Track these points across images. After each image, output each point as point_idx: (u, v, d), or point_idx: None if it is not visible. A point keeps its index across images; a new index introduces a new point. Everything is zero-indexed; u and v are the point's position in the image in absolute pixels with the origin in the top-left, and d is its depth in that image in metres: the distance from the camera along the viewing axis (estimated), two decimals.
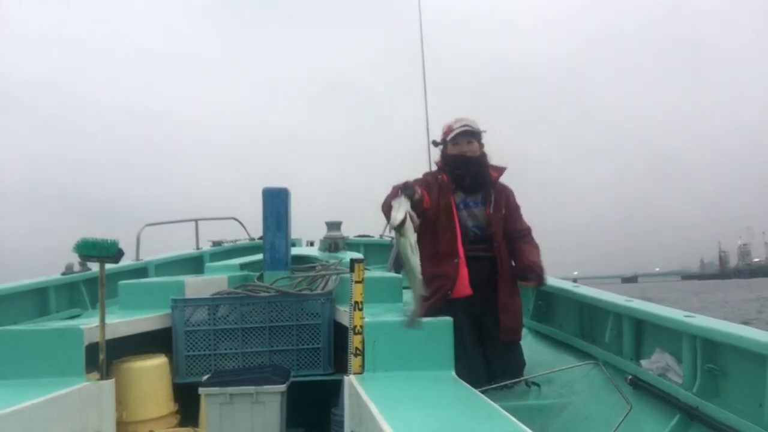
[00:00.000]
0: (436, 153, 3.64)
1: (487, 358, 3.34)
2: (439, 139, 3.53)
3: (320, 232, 6.40)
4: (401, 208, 2.66)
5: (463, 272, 3.25)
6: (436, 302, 3.18)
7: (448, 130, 3.41)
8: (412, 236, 2.63)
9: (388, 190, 3.04)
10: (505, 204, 3.47)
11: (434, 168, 3.66)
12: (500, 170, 3.49)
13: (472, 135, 3.39)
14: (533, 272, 3.36)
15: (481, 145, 3.44)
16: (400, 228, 2.62)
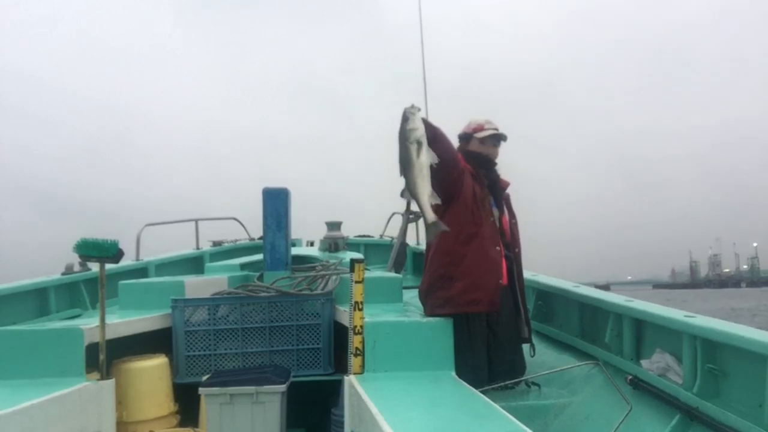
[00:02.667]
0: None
1: (491, 358, 3.33)
2: (460, 133, 3.46)
3: (320, 232, 6.40)
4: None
5: (503, 261, 3.23)
6: (491, 289, 3.11)
7: (478, 127, 3.37)
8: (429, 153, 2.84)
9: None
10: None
11: None
12: (507, 183, 3.51)
13: (499, 140, 3.39)
14: None
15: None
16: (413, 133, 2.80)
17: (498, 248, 3.19)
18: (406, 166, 2.83)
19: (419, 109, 2.87)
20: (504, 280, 3.20)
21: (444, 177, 2.99)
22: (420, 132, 2.83)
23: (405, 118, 2.84)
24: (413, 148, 2.80)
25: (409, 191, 2.88)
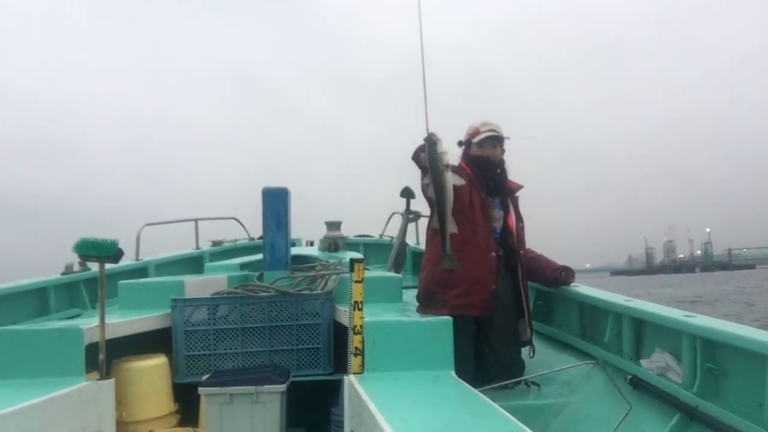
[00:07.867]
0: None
1: (484, 359, 3.34)
2: (458, 141, 3.53)
3: (320, 232, 6.41)
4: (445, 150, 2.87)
5: (495, 266, 3.30)
6: (485, 294, 3.23)
7: (475, 132, 3.43)
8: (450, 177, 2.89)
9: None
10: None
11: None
12: (518, 186, 3.54)
13: (497, 140, 3.42)
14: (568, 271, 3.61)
15: (503, 151, 3.46)
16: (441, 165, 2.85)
17: (493, 254, 3.26)
18: (440, 190, 2.89)
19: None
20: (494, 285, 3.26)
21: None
22: (448, 156, 2.91)
23: (433, 142, 2.86)
24: (446, 172, 2.88)
25: (439, 215, 2.94)
